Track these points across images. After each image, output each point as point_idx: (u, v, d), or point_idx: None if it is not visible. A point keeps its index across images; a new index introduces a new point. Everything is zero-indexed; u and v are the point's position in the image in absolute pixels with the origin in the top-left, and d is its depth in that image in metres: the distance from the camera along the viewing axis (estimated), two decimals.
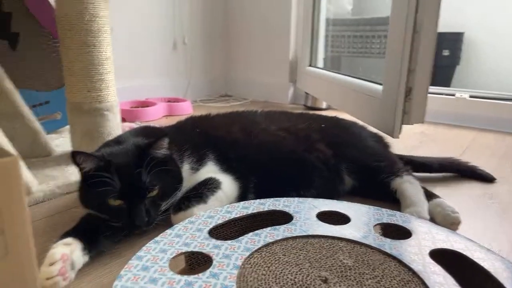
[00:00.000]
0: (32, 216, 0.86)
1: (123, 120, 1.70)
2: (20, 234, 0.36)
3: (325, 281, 0.49)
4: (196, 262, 0.62)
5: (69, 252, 0.61)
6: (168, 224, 0.67)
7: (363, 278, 0.50)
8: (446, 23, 2.49)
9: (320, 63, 2.23)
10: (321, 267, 0.52)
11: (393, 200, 0.88)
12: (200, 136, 0.93)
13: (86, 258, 0.65)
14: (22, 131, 1.16)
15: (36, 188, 0.94)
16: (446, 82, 2.64)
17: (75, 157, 0.69)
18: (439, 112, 1.94)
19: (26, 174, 0.93)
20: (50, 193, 0.96)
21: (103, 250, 0.70)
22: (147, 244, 0.56)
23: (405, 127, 1.18)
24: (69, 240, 0.63)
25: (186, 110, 2.07)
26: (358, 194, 0.95)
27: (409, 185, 0.87)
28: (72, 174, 1.05)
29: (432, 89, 2.04)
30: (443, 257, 0.55)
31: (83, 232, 0.67)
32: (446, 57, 2.63)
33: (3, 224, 0.35)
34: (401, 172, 0.91)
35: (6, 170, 0.35)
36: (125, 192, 0.69)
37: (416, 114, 1.15)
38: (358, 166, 0.94)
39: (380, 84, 1.29)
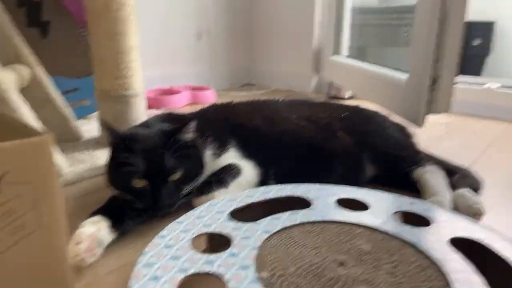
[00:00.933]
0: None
1: (148, 107, 1.74)
2: (53, 208, 0.38)
3: (342, 264, 0.50)
4: (216, 243, 0.64)
5: (96, 230, 0.64)
6: (190, 207, 0.69)
7: (380, 263, 0.50)
8: (478, 12, 2.40)
9: (345, 51, 2.20)
10: (338, 251, 0.53)
11: (416, 190, 0.87)
12: (222, 123, 0.95)
13: (112, 236, 0.68)
14: (53, 116, 1.21)
15: (66, 171, 0.98)
16: (477, 72, 2.56)
17: (102, 126, 0.73)
18: (467, 103, 1.88)
19: (57, 157, 0.97)
20: (79, 176, 1.01)
21: (129, 230, 0.73)
22: (170, 224, 0.58)
23: (430, 117, 1.16)
24: (96, 218, 0.67)
25: (210, 98, 2.09)
26: (379, 183, 0.94)
27: (432, 175, 0.86)
28: (100, 158, 1.09)
29: (461, 78, 1.99)
30: (463, 246, 0.55)
31: (109, 212, 0.71)
32: (476, 46, 2.54)
33: (37, 198, 0.37)
34: (423, 162, 0.90)
35: (41, 148, 0.37)
36: (149, 174, 0.72)
37: (441, 104, 1.12)
38: (379, 155, 0.93)
39: (406, 72, 1.27)
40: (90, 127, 1.40)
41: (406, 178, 0.89)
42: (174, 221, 0.59)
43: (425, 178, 0.86)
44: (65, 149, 1.16)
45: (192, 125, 0.78)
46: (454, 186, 0.85)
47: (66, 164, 1.00)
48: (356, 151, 0.94)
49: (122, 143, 0.74)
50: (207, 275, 0.47)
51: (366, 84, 1.69)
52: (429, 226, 0.59)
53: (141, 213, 0.75)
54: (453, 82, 1.11)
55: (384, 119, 1.09)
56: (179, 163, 0.75)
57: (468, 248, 0.55)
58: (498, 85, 1.85)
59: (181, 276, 0.46)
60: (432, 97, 1.12)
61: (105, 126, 0.74)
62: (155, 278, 0.45)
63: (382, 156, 0.93)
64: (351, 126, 0.99)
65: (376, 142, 0.96)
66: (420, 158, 0.92)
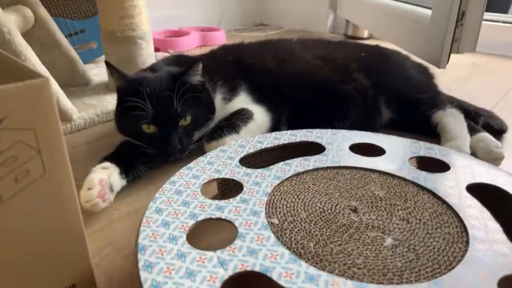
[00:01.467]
0: (74, 142, 0.91)
1: (157, 49, 1.69)
2: (56, 154, 0.37)
3: (355, 210, 0.49)
4: (227, 189, 0.64)
5: (107, 176, 0.64)
6: (201, 153, 0.68)
7: (393, 209, 0.49)
8: None
9: None
10: (351, 197, 0.52)
11: (434, 135, 0.84)
12: (233, 65, 0.91)
13: (123, 182, 0.68)
14: (60, 60, 1.18)
15: (76, 116, 0.97)
16: (504, 9, 2.38)
17: (107, 67, 0.72)
18: (493, 42, 1.77)
19: (66, 101, 0.96)
20: (90, 121, 1.00)
21: (140, 175, 0.73)
22: (180, 170, 0.57)
23: (454, 57, 1.09)
24: (107, 164, 0.67)
25: (220, 39, 2.01)
26: (396, 128, 0.91)
27: (452, 119, 0.83)
28: (110, 103, 1.08)
29: (488, 15, 1.85)
30: (482, 192, 0.53)
31: (120, 157, 0.70)
32: None
33: (39, 144, 0.36)
34: (443, 104, 0.86)
35: (38, 91, 0.35)
36: (158, 118, 0.71)
37: (467, 42, 1.05)
38: (397, 97, 0.89)
39: (429, 8, 1.18)
40: (98, 71, 1.38)
41: (425, 121, 0.86)
42: (185, 167, 0.58)
43: (444, 121, 0.83)
44: (74, 94, 1.15)
45: (200, 66, 0.74)
46: (474, 130, 0.81)
47: (75, 109, 0.99)
48: (373, 94, 0.90)
49: (130, 87, 0.72)
50: (218, 220, 0.46)
51: (385, 22, 1.59)
52: (447, 172, 0.57)
53: (151, 159, 0.75)
54: (481, 18, 1.02)
55: (404, 58, 1.03)
56: (188, 107, 0.73)
57: (488, 194, 0.53)
58: None
59: (191, 222, 0.45)
60: (457, 35, 1.04)
61: (111, 69, 0.71)
62: (166, 224, 0.45)
63: (400, 98, 0.89)
64: (369, 66, 0.94)
65: (394, 83, 0.91)
66: (440, 101, 0.87)
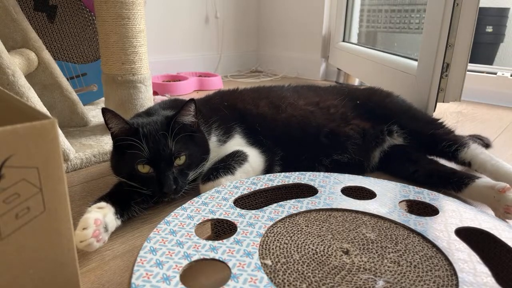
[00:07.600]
0: (70, 181, 0.91)
1: (155, 93, 1.74)
2: (57, 192, 0.38)
3: (346, 252, 0.50)
4: (221, 230, 0.64)
5: (102, 216, 0.64)
6: (196, 194, 0.69)
7: (385, 252, 0.50)
8: None
9: (354, 38, 2.16)
10: (343, 239, 0.53)
11: (427, 183, 0.86)
12: (228, 110, 0.94)
13: (118, 222, 0.68)
14: (61, 102, 1.21)
15: (73, 156, 0.99)
16: (489, 60, 2.50)
17: (104, 113, 0.72)
18: (479, 91, 1.85)
19: (65, 141, 0.98)
20: (87, 161, 1.01)
21: (134, 216, 0.73)
22: (175, 210, 0.58)
23: (441, 106, 1.14)
24: (102, 204, 0.67)
25: (217, 85, 2.08)
26: (387, 172, 0.94)
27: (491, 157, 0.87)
28: (107, 144, 1.10)
29: (473, 66, 1.95)
30: (470, 236, 0.54)
31: (115, 198, 0.71)
32: (489, 33, 2.48)
33: (41, 182, 0.37)
34: (466, 141, 0.91)
35: (45, 132, 0.37)
36: (153, 159, 0.72)
37: (452, 92, 1.10)
38: (412, 135, 0.95)
39: (416, 60, 1.25)
40: (97, 113, 1.41)
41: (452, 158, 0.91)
42: (179, 207, 0.59)
43: (497, 164, 0.85)
44: (72, 134, 1.17)
45: (191, 106, 0.76)
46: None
47: (73, 149, 1.00)
48: (361, 137, 0.93)
49: (127, 129, 0.74)
50: (211, 261, 0.47)
51: (374, 72, 1.67)
52: (436, 216, 0.59)
53: (147, 199, 0.75)
54: (465, 70, 1.08)
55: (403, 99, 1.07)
56: (182, 147, 0.75)
57: (475, 238, 0.54)
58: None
59: (185, 262, 0.46)
60: (443, 85, 1.10)
61: (109, 114, 0.73)
62: (159, 264, 0.45)
63: (415, 136, 0.94)
64: (367, 108, 0.98)
65: (407, 122, 0.96)
66: (460, 138, 0.92)
